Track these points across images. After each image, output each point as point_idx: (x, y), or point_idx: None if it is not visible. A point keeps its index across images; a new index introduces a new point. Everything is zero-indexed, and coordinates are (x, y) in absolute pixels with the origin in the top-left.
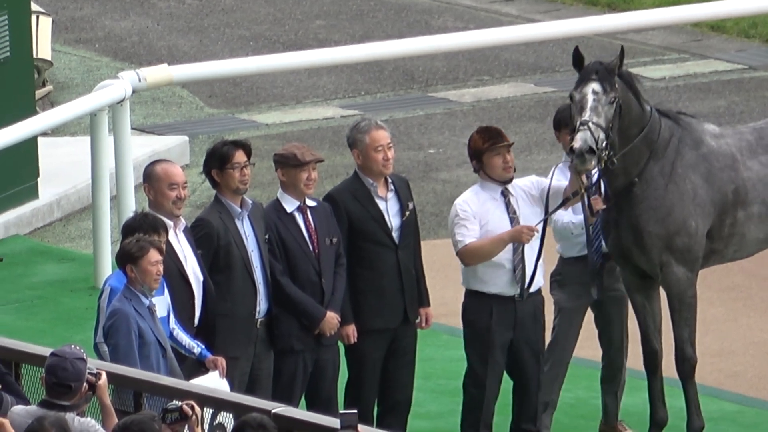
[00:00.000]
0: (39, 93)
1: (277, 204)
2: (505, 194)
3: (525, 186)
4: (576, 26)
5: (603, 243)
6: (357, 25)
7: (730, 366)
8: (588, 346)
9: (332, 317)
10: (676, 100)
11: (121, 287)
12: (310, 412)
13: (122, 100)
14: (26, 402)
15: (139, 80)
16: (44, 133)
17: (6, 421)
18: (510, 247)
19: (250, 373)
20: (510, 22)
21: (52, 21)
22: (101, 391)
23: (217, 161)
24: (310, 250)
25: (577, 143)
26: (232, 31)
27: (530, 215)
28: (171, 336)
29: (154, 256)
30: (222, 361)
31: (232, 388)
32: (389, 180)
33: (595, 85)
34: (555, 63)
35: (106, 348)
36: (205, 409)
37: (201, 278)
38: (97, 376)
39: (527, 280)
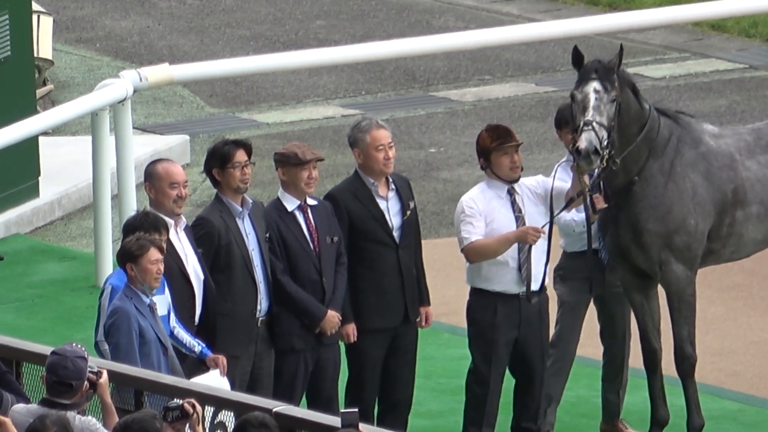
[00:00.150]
0: (40, 92)
1: (277, 203)
2: (511, 193)
3: (531, 185)
4: (577, 26)
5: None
6: (358, 25)
7: (730, 365)
8: (589, 344)
9: (333, 316)
10: (677, 99)
11: (121, 286)
12: (311, 410)
13: (123, 100)
14: (26, 400)
15: (140, 80)
16: (45, 133)
17: (8, 420)
18: (516, 245)
19: (251, 371)
20: (511, 21)
21: (53, 20)
22: (102, 390)
23: (218, 160)
24: (311, 249)
25: (582, 144)
26: (232, 30)
27: (536, 214)
28: (172, 334)
29: (154, 254)
30: (223, 359)
31: (233, 387)
32: (390, 179)
33: (596, 84)
34: (556, 63)
35: (106, 346)
36: (206, 407)
37: (202, 277)
38: (98, 374)
39: (533, 282)
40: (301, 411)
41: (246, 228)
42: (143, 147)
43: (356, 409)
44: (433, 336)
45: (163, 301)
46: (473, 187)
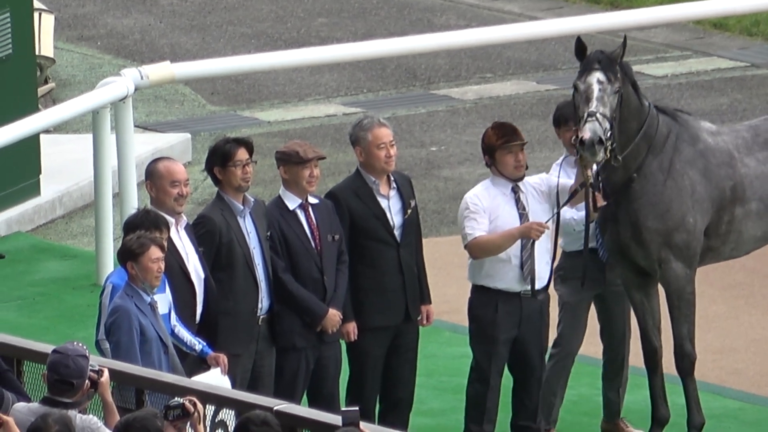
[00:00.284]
0: (41, 90)
1: (279, 201)
2: (515, 190)
3: (535, 183)
4: (578, 24)
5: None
6: (359, 23)
7: (731, 363)
8: (590, 343)
9: (334, 314)
10: (679, 97)
11: (122, 284)
12: (312, 409)
13: (125, 98)
14: (27, 399)
15: (142, 78)
16: (46, 131)
17: (10, 419)
18: (518, 242)
19: (252, 370)
20: (512, 19)
21: (55, 18)
22: (103, 388)
23: (219, 159)
24: (312, 247)
25: (586, 134)
26: (234, 28)
27: (540, 212)
28: (172, 333)
29: (155, 253)
30: (224, 358)
31: (234, 385)
32: (391, 178)
33: (599, 75)
34: (557, 61)
35: (107, 345)
36: (207, 406)
37: (203, 275)
38: (99, 373)
39: (537, 280)
40: (302, 409)
41: (247, 226)
42: (144, 145)
43: (357, 408)
44: (435, 334)
45: (163, 300)
46: (477, 184)
